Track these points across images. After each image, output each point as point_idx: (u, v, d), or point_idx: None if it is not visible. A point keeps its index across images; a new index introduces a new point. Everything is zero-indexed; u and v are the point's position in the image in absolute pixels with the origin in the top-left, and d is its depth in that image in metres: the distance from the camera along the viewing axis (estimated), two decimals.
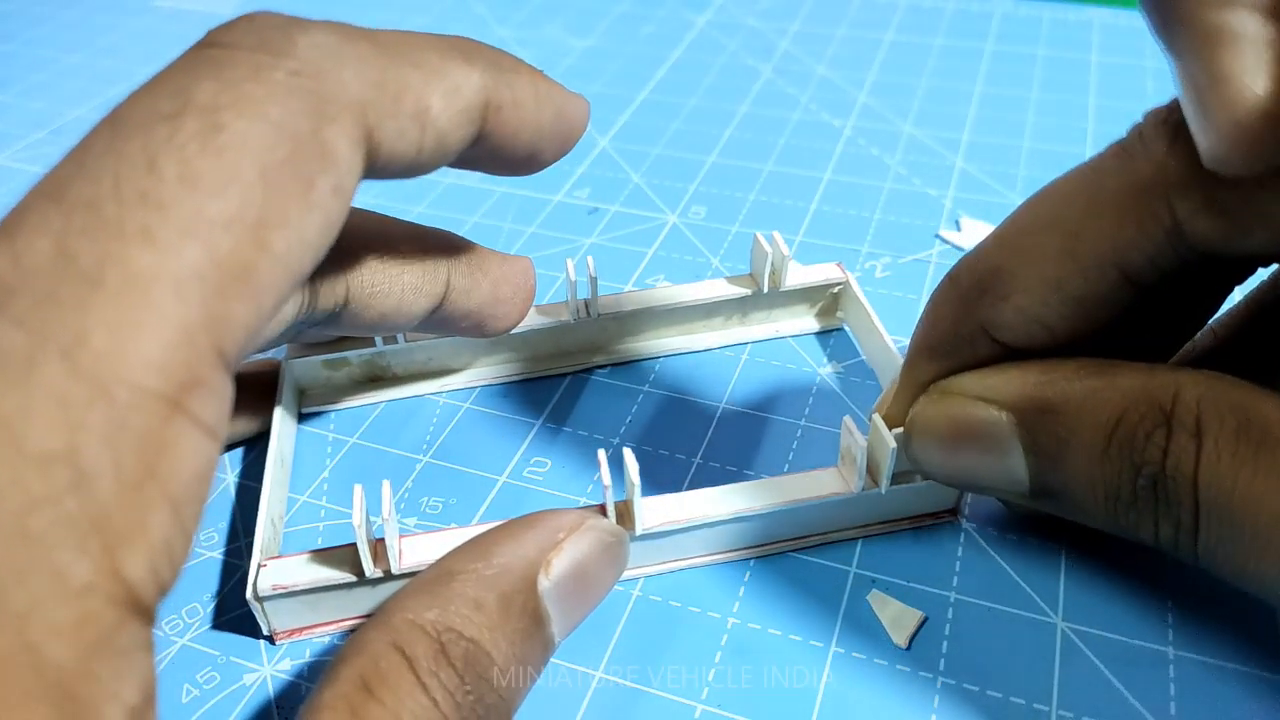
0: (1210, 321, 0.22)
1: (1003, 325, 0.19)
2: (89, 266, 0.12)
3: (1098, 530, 0.20)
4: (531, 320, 0.28)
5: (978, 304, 0.19)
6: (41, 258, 0.12)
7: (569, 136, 0.20)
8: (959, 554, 0.24)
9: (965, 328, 0.20)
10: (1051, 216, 0.18)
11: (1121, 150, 0.18)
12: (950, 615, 0.22)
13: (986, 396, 0.19)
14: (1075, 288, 0.18)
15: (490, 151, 0.19)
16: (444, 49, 0.17)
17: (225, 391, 0.13)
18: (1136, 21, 0.49)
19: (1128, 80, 0.44)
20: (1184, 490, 0.16)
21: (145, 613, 0.12)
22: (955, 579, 0.23)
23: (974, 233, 0.34)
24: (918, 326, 0.21)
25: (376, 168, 0.16)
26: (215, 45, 0.15)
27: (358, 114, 0.15)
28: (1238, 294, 0.22)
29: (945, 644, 0.22)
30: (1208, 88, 0.14)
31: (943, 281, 0.20)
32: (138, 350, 0.12)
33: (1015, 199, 0.36)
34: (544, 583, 0.18)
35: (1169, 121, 0.17)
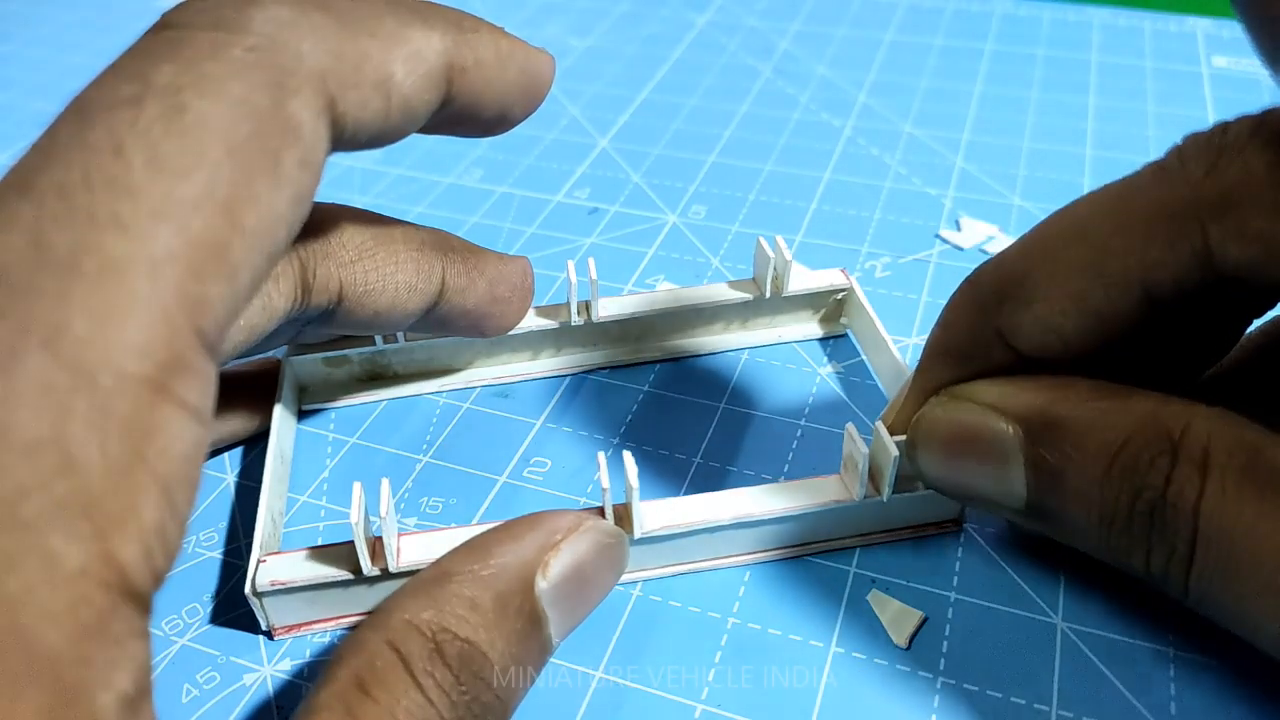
0: None
1: (1020, 332, 0.19)
2: (64, 255, 0.12)
3: None
4: (531, 321, 0.28)
5: (997, 309, 0.19)
6: (16, 249, 0.12)
7: (535, 93, 0.20)
8: (959, 554, 0.24)
9: (982, 332, 0.20)
10: (1081, 229, 0.18)
11: (1158, 170, 0.18)
12: (950, 615, 0.22)
13: (996, 405, 0.19)
14: (1097, 301, 0.18)
15: (458, 114, 0.19)
16: (402, 14, 0.17)
17: (208, 373, 0.13)
18: (1136, 21, 0.49)
19: (1128, 80, 0.44)
20: (1183, 519, 0.16)
21: (140, 599, 0.12)
22: (955, 579, 0.23)
23: (974, 232, 0.34)
24: (933, 330, 0.21)
25: (344, 138, 0.16)
26: (170, 27, 0.15)
27: (319, 86, 0.15)
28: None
29: (945, 644, 0.22)
30: None
31: (962, 285, 0.20)
32: (118, 336, 0.12)
33: (1015, 199, 0.36)
34: (541, 584, 0.18)
35: (1210, 146, 0.17)
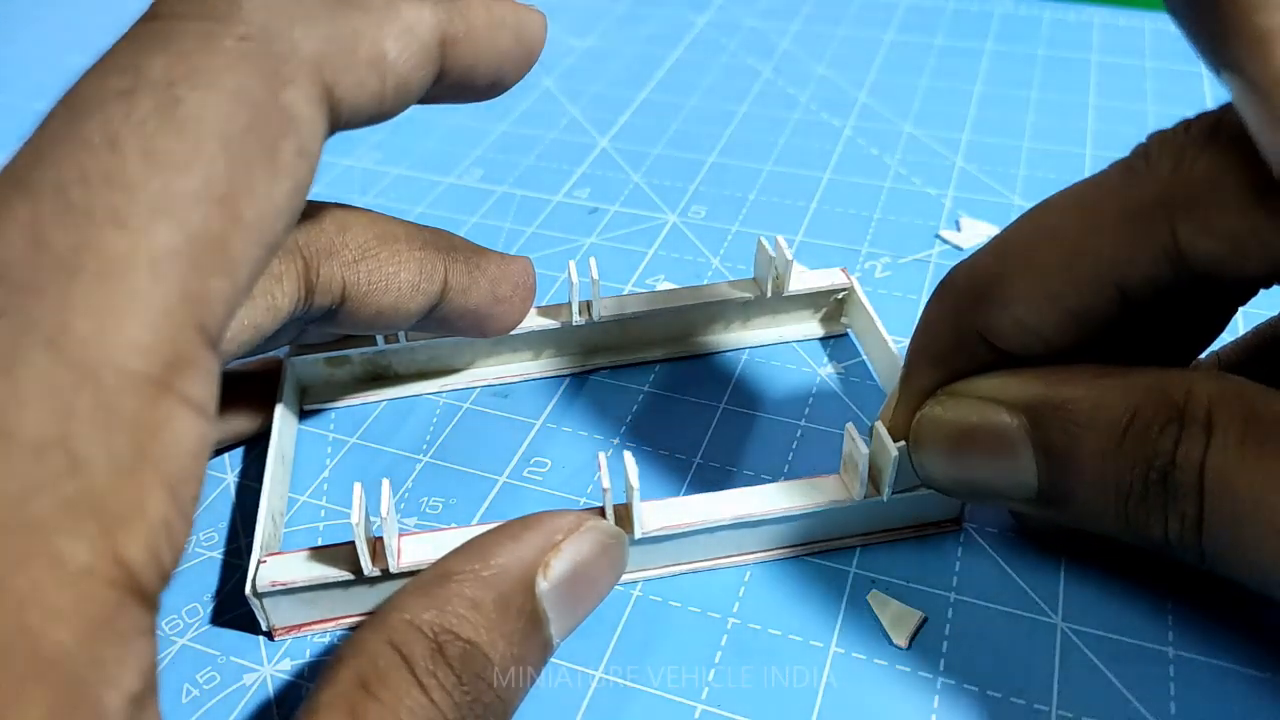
0: (1216, 348, 0.22)
1: (1000, 334, 0.19)
2: (64, 253, 0.12)
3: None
4: (532, 322, 0.28)
5: (974, 311, 0.19)
6: (15, 248, 0.12)
7: (529, 55, 0.20)
8: (959, 554, 0.24)
9: (963, 334, 0.20)
10: (1052, 229, 0.18)
11: (1126, 168, 0.18)
12: (950, 615, 0.22)
13: (997, 398, 0.19)
14: (1072, 302, 0.18)
15: (453, 84, 0.18)
16: None
17: (211, 368, 0.13)
18: (1136, 21, 0.49)
19: (1128, 80, 0.44)
20: (1190, 479, 0.16)
21: (146, 597, 0.12)
22: (955, 579, 0.23)
23: (974, 232, 0.34)
24: (915, 334, 0.21)
25: (341, 121, 0.16)
26: (160, 17, 0.14)
27: (313, 72, 0.15)
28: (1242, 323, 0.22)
29: (945, 644, 0.22)
30: (1271, 91, 0.14)
31: (937, 289, 0.20)
32: (121, 333, 0.12)
33: (1015, 199, 0.36)
34: (542, 584, 0.18)
35: (1174, 143, 0.17)
